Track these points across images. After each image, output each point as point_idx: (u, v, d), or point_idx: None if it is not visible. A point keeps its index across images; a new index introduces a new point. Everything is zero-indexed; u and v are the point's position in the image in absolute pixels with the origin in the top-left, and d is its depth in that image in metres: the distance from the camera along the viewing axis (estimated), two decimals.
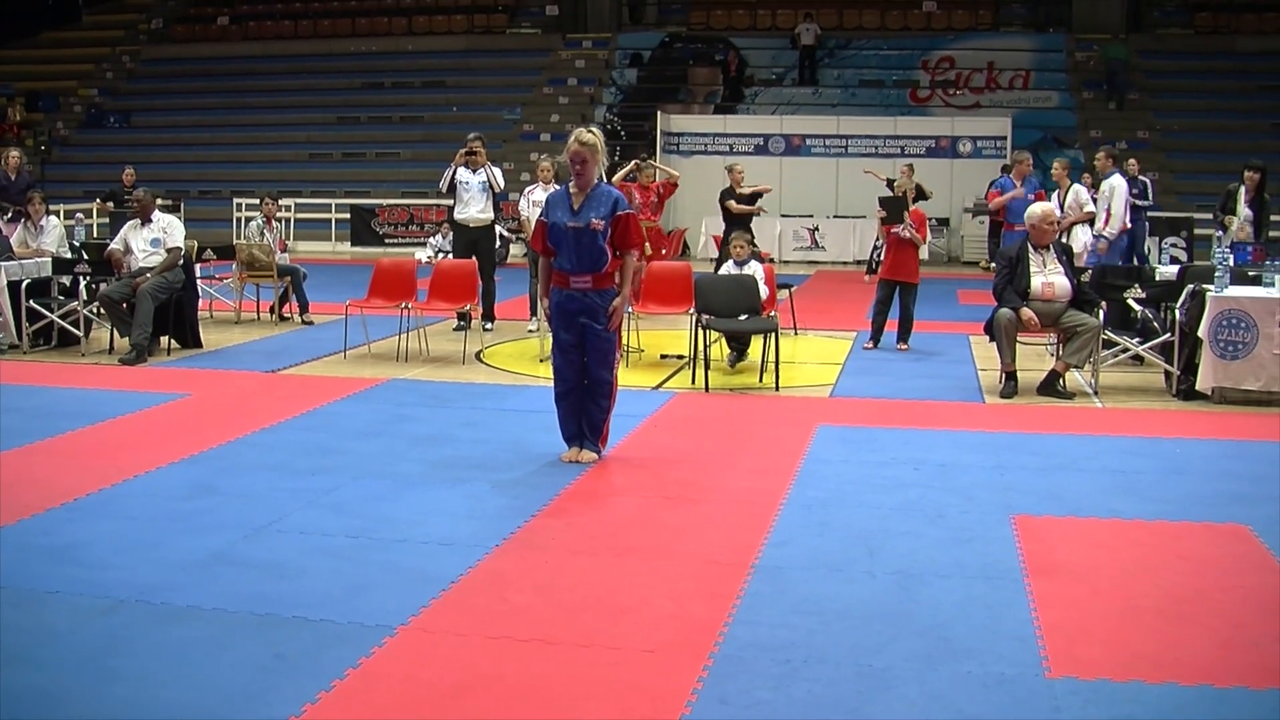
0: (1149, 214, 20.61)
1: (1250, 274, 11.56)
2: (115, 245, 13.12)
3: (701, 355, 11.44)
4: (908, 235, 13.35)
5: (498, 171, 15.01)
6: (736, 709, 4.67)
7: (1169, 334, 11.36)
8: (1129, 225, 16.04)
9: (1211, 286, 10.80)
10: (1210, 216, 17.56)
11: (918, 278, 13.61)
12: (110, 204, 23.05)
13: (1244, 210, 16.14)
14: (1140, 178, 20.02)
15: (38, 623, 5.39)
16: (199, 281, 14.50)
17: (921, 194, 19.66)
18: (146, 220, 13.10)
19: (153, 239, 12.96)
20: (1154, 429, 9.82)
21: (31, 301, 12.97)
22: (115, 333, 13.04)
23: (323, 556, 6.37)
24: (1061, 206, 15.61)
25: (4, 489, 7.54)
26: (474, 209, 14.70)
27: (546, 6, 36.40)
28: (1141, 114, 30.48)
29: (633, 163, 18.42)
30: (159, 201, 13.70)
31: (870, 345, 13.57)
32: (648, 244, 13.26)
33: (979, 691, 4.81)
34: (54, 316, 13.14)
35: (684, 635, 5.34)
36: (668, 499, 7.66)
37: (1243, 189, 16.26)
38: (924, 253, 14.71)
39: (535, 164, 15.30)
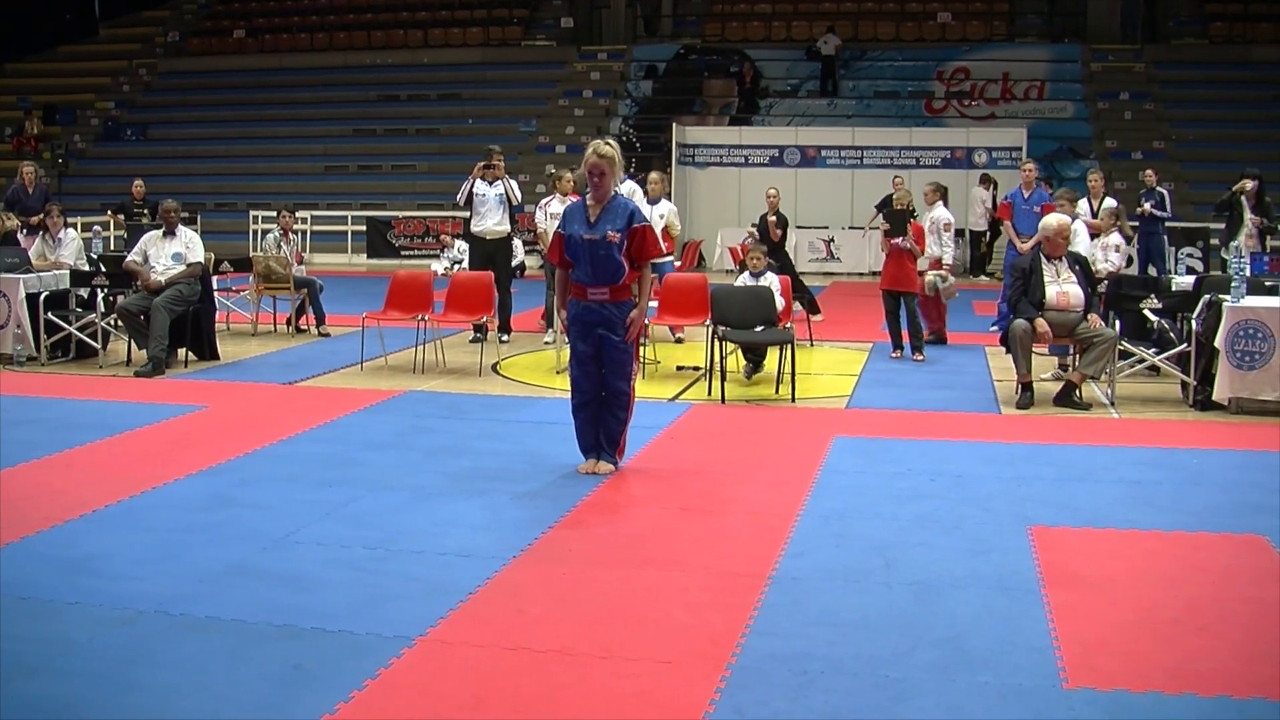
0: (1167, 225, 20.50)
1: (1267, 284, 11.54)
2: (134, 257, 13.13)
3: (718, 367, 11.45)
4: (908, 246, 13.51)
5: (515, 184, 15.06)
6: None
7: (1185, 344, 11.34)
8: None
9: (1228, 297, 10.78)
10: (1223, 226, 17.53)
11: (917, 286, 13.74)
12: (121, 216, 23.09)
13: (1250, 218, 16.13)
14: (1158, 188, 19.92)
15: (57, 634, 5.41)
16: (216, 294, 14.54)
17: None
18: (170, 233, 13.13)
19: (174, 253, 12.96)
20: (1171, 440, 9.80)
21: (50, 314, 13.02)
22: (133, 345, 13.08)
23: (341, 568, 6.38)
24: (1094, 214, 15.62)
25: (23, 500, 7.57)
26: (490, 221, 14.73)
27: (562, 19, 36.48)
28: (1157, 124, 30.43)
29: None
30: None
31: (897, 354, 13.67)
32: None
33: (996, 702, 4.80)
34: (72, 329, 13.20)
35: (701, 646, 5.34)
36: (685, 510, 7.66)
37: (1244, 198, 16.25)
38: (946, 259, 14.94)
39: (554, 176, 15.35)
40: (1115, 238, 14.42)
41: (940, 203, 15.26)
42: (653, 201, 15.26)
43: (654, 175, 16.09)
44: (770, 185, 18.83)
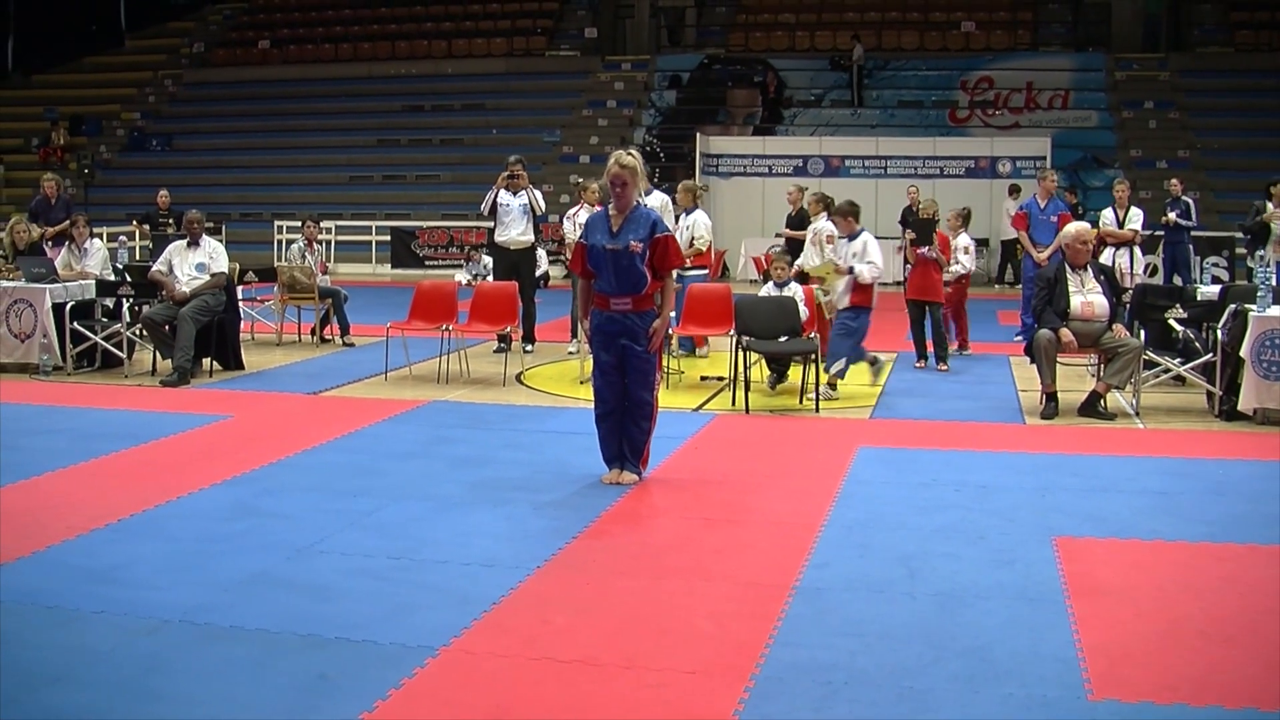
0: (1193, 234, 20.42)
1: None
2: (159, 267, 13.17)
3: (742, 377, 11.44)
4: (934, 256, 13.47)
5: (538, 194, 15.07)
6: None
7: (1211, 354, 11.29)
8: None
9: (1254, 306, 10.72)
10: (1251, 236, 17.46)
11: (943, 296, 13.67)
12: (146, 226, 23.16)
13: (1278, 227, 16.03)
14: (1183, 198, 19.85)
15: (81, 643, 5.43)
16: (241, 304, 14.58)
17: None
18: (195, 243, 13.18)
19: (198, 263, 13.01)
20: (1196, 450, 9.76)
21: (75, 323, 13.09)
22: (158, 355, 13.13)
23: (365, 577, 6.39)
24: (1120, 225, 15.60)
25: (48, 510, 7.60)
26: (515, 231, 14.75)
27: (586, 29, 36.57)
28: (1182, 132, 30.35)
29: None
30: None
31: (921, 364, 13.63)
32: None
33: (1021, 713, 4.78)
34: (97, 338, 13.25)
35: (726, 656, 5.33)
36: (708, 520, 7.65)
37: (1270, 205, 16.16)
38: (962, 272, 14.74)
39: (581, 186, 15.29)
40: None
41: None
42: (688, 211, 15.01)
43: (685, 184, 15.80)
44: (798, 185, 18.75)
